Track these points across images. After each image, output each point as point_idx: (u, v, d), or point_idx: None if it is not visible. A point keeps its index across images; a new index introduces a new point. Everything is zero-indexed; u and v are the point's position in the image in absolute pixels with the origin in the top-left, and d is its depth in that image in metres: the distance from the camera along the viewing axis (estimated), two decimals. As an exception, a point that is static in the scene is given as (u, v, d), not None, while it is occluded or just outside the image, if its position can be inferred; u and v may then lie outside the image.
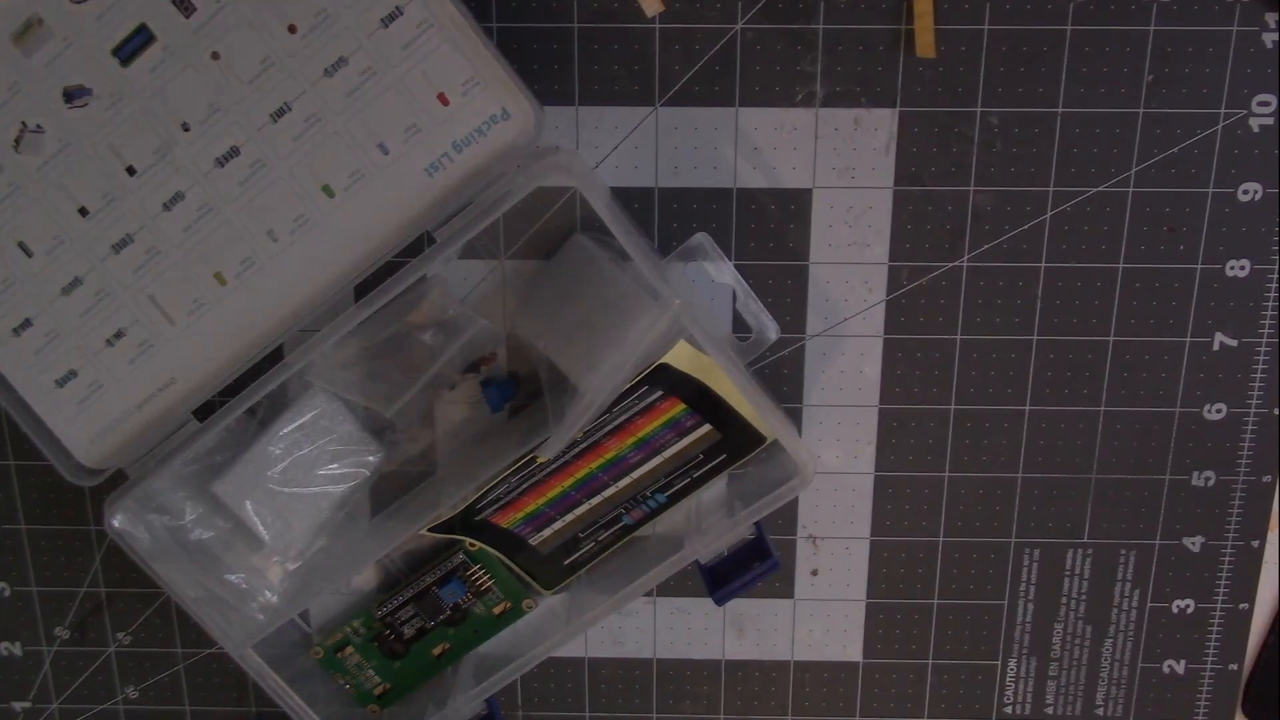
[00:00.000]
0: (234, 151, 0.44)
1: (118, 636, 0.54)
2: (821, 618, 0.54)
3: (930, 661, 0.55)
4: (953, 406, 0.51)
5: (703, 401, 0.48)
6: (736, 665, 0.55)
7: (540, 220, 0.49)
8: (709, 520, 0.50)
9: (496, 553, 0.51)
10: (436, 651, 0.53)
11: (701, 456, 0.50)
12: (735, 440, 0.50)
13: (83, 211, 0.44)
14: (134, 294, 0.45)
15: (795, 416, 0.51)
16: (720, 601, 0.49)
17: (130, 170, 0.44)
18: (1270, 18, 0.46)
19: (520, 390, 0.51)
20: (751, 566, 0.49)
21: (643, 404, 0.48)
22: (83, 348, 0.46)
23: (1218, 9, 0.46)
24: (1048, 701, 0.55)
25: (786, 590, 0.54)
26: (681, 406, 0.48)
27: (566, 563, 0.52)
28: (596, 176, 0.48)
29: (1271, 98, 0.47)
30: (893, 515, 0.53)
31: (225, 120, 0.43)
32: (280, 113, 0.43)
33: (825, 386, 0.51)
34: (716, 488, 0.51)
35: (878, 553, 0.53)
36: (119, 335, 0.45)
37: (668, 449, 0.50)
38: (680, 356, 0.46)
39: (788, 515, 0.53)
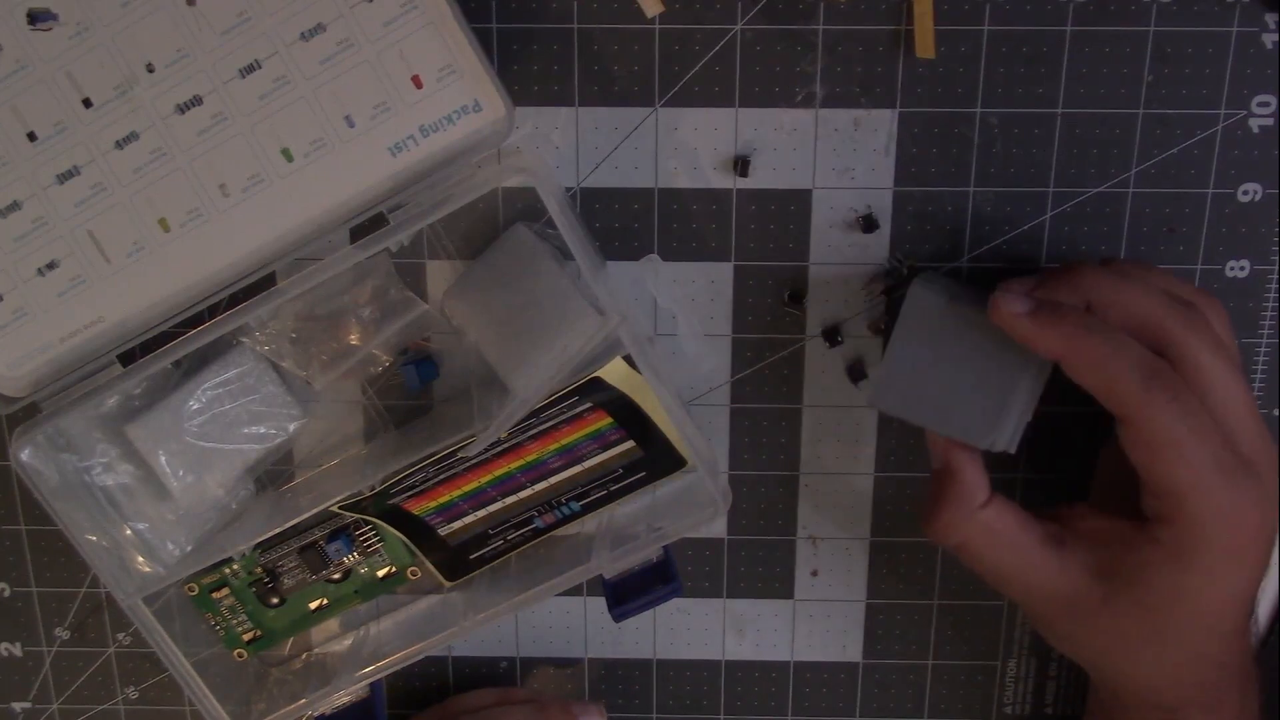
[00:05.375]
0: (196, 100, 0.43)
1: (118, 637, 0.54)
2: (821, 618, 0.54)
3: (930, 662, 0.55)
4: (953, 407, 0.51)
5: (630, 418, 0.49)
6: (736, 665, 0.55)
7: (481, 216, 0.49)
8: (620, 535, 0.50)
9: (402, 536, 0.51)
10: (313, 605, 0.53)
11: (621, 471, 0.50)
12: (657, 460, 0.50)
13: (31, 136, 0.43)
14: (73, 227, 0.44)
15: (795, 416, 0.51)
16: (618, 619, 0.49)
17: (87, 102, 0.43)
18: (1270, 18, 0.46)
19: (443, 374, 0.51)
20: (654, 588, 0.49)
21: (570, 413, 0.48)
22: (11, 273, 0.45)
23: (1218, 9, 0.46)
24: (1047, 701, 0.55)
25: (786, 590, 0.54)
26: (608, 420, 0.49)
27: (472, 557, 0.52)
28: (554, 177, 0.48)
29: (1271, 98, 0.47)
30: (893, 515, 0.53)
31: (192, 68, 0.43)
32: (250, 69, 0.43)
33: (825, 386, 0.51)
34: (633, 504, 0.52)
35: (878, 553, 0.53)
36: (51, 266, 0.45)
37: (588, 459, 0.50)
38: (614, 372, 0.47)
39: (788, 515, 0.53)
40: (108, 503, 0.48)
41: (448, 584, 0.53)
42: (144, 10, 0.42)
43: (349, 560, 0.52)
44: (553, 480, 0.51)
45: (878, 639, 0.54)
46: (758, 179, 0.48)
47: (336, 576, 0.53)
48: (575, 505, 0.51)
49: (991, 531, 0.43)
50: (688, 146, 0.48)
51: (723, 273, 0.50)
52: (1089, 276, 0.42)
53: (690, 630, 0.54)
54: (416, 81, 0.43)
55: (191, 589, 0.52)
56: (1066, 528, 0.44)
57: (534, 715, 0.51)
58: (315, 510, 0.49)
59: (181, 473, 0.47)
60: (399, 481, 0.49)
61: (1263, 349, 0.50)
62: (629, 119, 0.48)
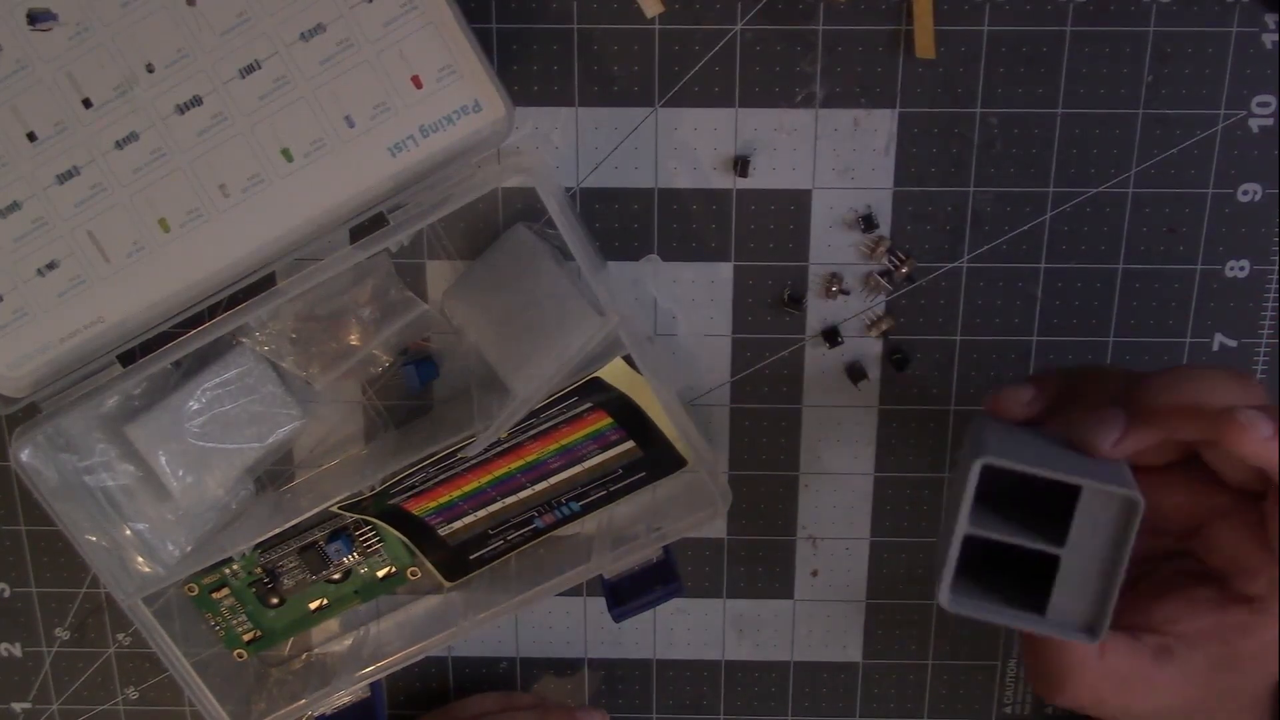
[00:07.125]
0: (196, 100, 0.43)
1: (118, 637, 0.54)
2: (821, 618, 0.54)
3: (930, 662, 0.55)
4: (952, 407, 0.51)
5: (630, 418, 0.49)
6: (736, 665, 0.55)
7: (481, 216, 0.49)
8: (620, 535, 0.50)
9: (402, 536, 0.51)
10: (313, 605, 0.53)
11: (621, 471, 0.51)
12: (657, 460, 0.50)
13: (31, 137, 0.43)
14: (73, 227, 0.44)
15: (795, 416, 0.51)
16: (619, 619, 0.49)
17: (86, 103, 0.43)
18: (1270, 18, 0.46)
19: (443, 374, 0.51)
20: (654, 589, 0.49)
21: (570, 413, 0.49)
22: (11, 273, 0.45)
23: (1218, 9, 0.46)
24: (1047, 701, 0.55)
25: (786, 590, 0.54)
26: (608, 420, 0.49)
27: (472, 557, 0.52)
28: (554, 177, 0.48)
29: (1271, 98, 0.47)
30: (893, 515, 0.53)
31: (192, 68, 0.43)
32: (250, 69, 0.43)
33: (825, 386, 0.51)
34: (633, 504, 0.52)
35: (878, 553, 0.53)
36: (51, 266, 0.45)
37: (588, 459, 0.50)
38: (614, 372, 0.47)
39: (788, 515, 0.53)
40: (108, 503, 0.48)
41: (448, 584, 0.53)
42: (144, 10, 0.42)
43: (349, 560, 0.52)
44: (553, 480, 0.51)
45: (878, 639, 0.54)
46: (758, 179, 0.48)
47: (336, 577, 0.53)
48: (575, 505, 0.51)
49: (1119, 676, 0.40)
50: (688, 146, 0.48)
51: (722, 273, 0.50)
52: (1198, 382, 0.39)
53: (690, 630, 0.54)
54: (416, 82, 0.43)
55: (191, 589, 0.52)
56: (1168, 634, 0.41)
57: None
58: (315, 510, 0.49)
59: (181, 473, 0.47)
60: (399, 481, 0.49)
61: (1263, 349, 0.50)
62: (629, 119, 0.48)
